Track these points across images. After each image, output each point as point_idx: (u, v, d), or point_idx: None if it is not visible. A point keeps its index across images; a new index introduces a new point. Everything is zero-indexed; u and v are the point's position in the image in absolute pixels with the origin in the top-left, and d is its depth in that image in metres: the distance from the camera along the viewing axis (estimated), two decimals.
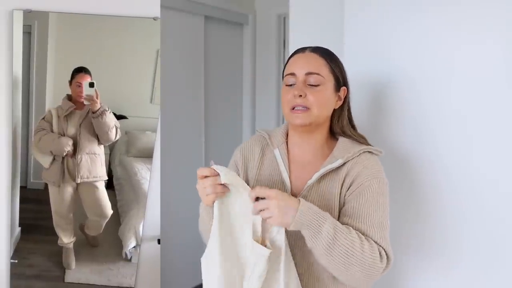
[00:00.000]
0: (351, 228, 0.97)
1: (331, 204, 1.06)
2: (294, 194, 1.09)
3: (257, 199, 0.97)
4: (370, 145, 1.13)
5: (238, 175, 1.14)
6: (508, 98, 1.14)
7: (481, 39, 1.18)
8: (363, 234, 0.98)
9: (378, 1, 1.36)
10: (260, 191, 0.96)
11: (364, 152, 1.09)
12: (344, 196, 1.06)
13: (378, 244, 0.98)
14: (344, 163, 1.07)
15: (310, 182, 1.07)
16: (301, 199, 0.96)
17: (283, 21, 3.15)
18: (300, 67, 1.08)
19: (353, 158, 1.07)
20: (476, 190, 1.21)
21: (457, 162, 1.24)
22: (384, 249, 0.99)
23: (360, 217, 1.01)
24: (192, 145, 2.87)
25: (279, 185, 1.11)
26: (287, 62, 1.14)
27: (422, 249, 1.33)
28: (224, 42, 3.07)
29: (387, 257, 0.99)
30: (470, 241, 1.24)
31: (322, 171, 1.06)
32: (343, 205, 1.06)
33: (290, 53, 1.17)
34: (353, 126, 1.17)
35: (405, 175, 1.34)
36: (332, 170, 1.07)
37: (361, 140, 1.13)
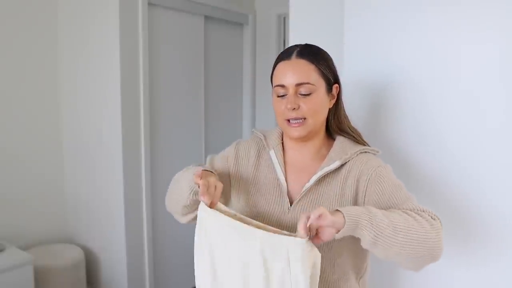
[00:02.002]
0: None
1: (330, 206, 1.05)
2: (290, 197, 1.08)
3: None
4: (366, 143, 1.13)
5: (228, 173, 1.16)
6: (508, 97, 1.15)
7: (481, 39, 1.18)
8: None
9: (378, 1, 1.36)
10: (312, 215, 0.84)
11: (361, 152, 1.08)
12: (356, 199, 1.04)
13: (420, 210, 0.94)
14: (342, 165, 1.06)
15: (308, 185, 1.06)
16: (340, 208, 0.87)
17: (283, 21, 3.15)
18: (289, 77, 1.03)
19: (350, 160, 1.06)
20: (478, 190, 1.21)
21: (458, 161, 1.24)
22: (426, 211, 0.95)
23: (388, 202, 0.97)
24: (192, 145, 2.87)
25: (275, 187, 1.10)
26: (274, 68, 1.10)
27: None
28: (224, 42, 3.07)
29: (435, 215, 0.95)
30: (472, 240, 1.24)
31: (319, 174, 1.05)
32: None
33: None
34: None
35: (406, 175, 1.34)
36: (330, 171, 1.06)
37: (357, 137, 1.13)
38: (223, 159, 1.20)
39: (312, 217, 0.82)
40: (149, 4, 2.43)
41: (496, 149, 1.18)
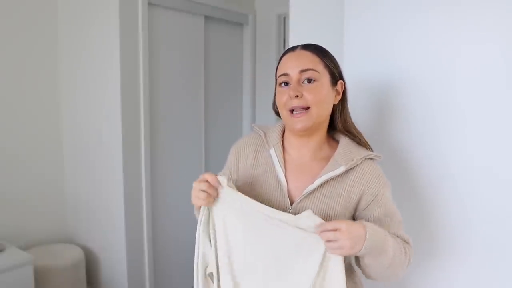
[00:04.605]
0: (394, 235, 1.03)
1: (332, 209, 1.04)
2: (291, 196, 1.08)
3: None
4: (369, 147, 1.13)
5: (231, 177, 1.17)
6: (508, 97, 1.15)
7: (481, 39, 1.18)
8: None
9: (378, 1, 1.36)
10: (329, 225, 0.92)
11: (366, 159, 1.08)
12: (357, 206, 1.07)
13: (405, 242, 1.06)
14: (347, 170, 1.05)
15: (311, 187, 1.05)
16: (365, 224, 0.95)
17: (283, 21, 3.15)
18: (293, 66, 1.04)
19: (356, 166, 1.06)
20: (479, 189, 1.21)
21: (459, 161, 1.24)
22: (410, 245, 1.06)
23: (383, 225, 1.04)
24: (192, 145, 2.87)
25: (275, 186, 1.09)
26: (278, 62, 1.11)
27: (425, 248, 1.32)
28: (224, 42, 3.07)
29: (411, 249, 1.06)
30: (473, 241, 1.24)
31: (324, 178, 1.04)
32: (360, 217, 1.07)
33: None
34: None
35: (407, 176, 1.34)
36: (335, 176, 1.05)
37: (361, 140, 1.12)
38: (227, 172, 1.19)
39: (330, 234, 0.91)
40: (149, 4, 2.43)
41: (498, 149, 1.18)
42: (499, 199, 1.18)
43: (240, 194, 1.00)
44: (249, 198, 1.00)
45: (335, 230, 0.90)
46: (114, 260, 2.51)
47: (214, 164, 3.00)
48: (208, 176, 0.99)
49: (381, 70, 1.37)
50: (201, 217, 1.03)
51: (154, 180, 2.59)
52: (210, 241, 1.03)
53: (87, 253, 2.62)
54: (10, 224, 2.43)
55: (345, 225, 0.91)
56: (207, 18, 2.86)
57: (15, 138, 2.45)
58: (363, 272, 1.05)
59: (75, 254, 2.44)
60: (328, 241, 0.91)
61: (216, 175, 1.00)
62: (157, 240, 2.63)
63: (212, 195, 0.99)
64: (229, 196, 1.00)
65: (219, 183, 1.00)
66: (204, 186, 0.98)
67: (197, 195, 0.99)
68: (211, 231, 1.03)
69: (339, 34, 1.48)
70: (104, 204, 2.51)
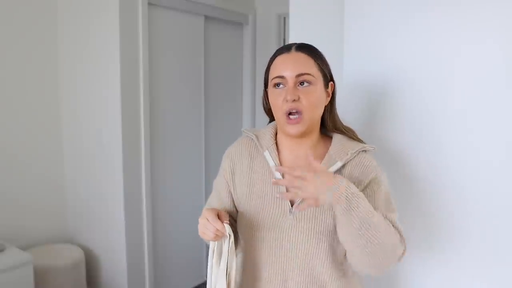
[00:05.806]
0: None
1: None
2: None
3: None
4: (361, 140, 1.14)
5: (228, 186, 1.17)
6: (507, 97, 1.15)
7: (480, 39, 1.18)
8: None
9: (378, 1, 1.36)
10: (296, 172, 0.91)
11: (361, 151, 1.09)
12: None
13: (395, 227, 1.01)
14: (343, 165, 1.06)
15: None
16: (340, 178, 0.93)
17: (283, 21, 3.15)
18: (290, 69, 1.03)
19: (351, 159, 1.07)
20: (478, 190, 1.21)
21: (456, 161, 1.24)
22: (400, 232, 1.02)
23: (377, 207, 1.02)
24: (192, 145, 2.87)
25: (274, 189, 1.09)
26: (271, 62, 1.09)
27: (422, 244, 1.32)
28: (224, 42, 3.07)
29: (404, 241, 1.03)
30: (470, 237, 1.24)
31: None
32: None
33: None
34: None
35: (404, 174, 1.34)
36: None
37: (352, 134, 1.13)
38: (222, 179, 1.19)
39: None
40: (149, 4, 2.43)
41: (495, 150, 1.18)
42: (497, 197, 1.18)
43: (226, 253, 1.03)
44: (224, 272, 1.02)
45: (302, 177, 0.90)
46: (114, 260, 2.51)
47: (214, 164, 3.00)
48: (216, 223, 0.99)
49: (381, 70, 1.37)
50: (212, 247, 1.05)
51: (154, 180, 2.59)
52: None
53: (87, 253, 2.62)
54: (10, 224, 2.43)
55: (310, 177, 0.89)
56: (207, 18, 2.86)
57: (15, 138, 2.45)
58: (352, 258, 1.03)
59: (75, 254, 2.44)
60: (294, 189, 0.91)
61: (223, 222, 1.00)
62: (157, 240, 2.63)
63: (219, 235, 1.01)
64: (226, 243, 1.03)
65: (225, 230, 1.00)
66: (211, 228, 0.99)
67: (204, 231, 1.01)
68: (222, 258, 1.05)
69: (339, 34, 1.48)
70: (104, 204, 2.51)
